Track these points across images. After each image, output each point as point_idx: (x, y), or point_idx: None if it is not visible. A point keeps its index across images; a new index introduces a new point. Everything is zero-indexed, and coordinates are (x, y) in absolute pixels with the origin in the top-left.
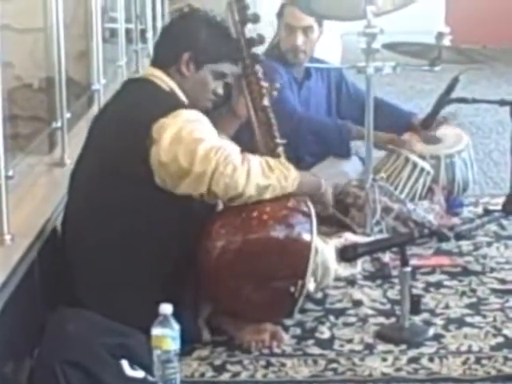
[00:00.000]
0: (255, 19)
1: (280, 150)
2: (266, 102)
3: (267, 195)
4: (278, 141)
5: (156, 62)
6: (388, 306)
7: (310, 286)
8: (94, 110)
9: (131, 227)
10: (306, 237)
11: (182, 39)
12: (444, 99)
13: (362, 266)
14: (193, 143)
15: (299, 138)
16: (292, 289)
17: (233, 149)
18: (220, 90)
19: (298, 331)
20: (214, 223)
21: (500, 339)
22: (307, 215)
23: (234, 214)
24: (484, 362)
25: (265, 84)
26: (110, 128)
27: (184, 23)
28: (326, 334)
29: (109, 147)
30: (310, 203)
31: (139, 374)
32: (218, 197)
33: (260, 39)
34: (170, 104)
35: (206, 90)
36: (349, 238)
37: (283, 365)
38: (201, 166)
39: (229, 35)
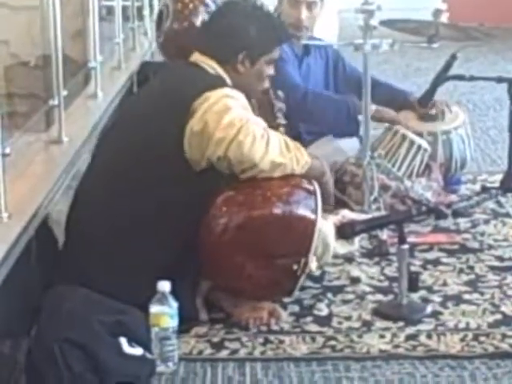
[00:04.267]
0: None
1: (281, 130)
2: (267, 83)
3: (277, 173)
4: (280, 121)
5: (207, 53)
6: (386, 284)
7: (313, 264)
8: (91, 87)
9: (143, 205)
10: (311, 215)
11: (235, 39)
12: (442, 76)
13: (359, 243)
14: (222, 111)
15: (302, 114)
16: (295, 266)
17: (258, 123)
18: (271, 71)
19: (296, 308)
20: (216, 199)
21: (498, 316)
22: (312, 193)
23: (238, 191)
24: (482, 338)
25: None
26: (153, 106)
27: (233, 19)
28: (324, 312)
29: (147, 123)
30: (315, 182)
31: (137, 351)
32: (231, 164)
33: None
34: (215, 82)
35: (261, 79)
36: (346, 215)
37: (281, 342)
38: (223, 130)
39: (275, 21)
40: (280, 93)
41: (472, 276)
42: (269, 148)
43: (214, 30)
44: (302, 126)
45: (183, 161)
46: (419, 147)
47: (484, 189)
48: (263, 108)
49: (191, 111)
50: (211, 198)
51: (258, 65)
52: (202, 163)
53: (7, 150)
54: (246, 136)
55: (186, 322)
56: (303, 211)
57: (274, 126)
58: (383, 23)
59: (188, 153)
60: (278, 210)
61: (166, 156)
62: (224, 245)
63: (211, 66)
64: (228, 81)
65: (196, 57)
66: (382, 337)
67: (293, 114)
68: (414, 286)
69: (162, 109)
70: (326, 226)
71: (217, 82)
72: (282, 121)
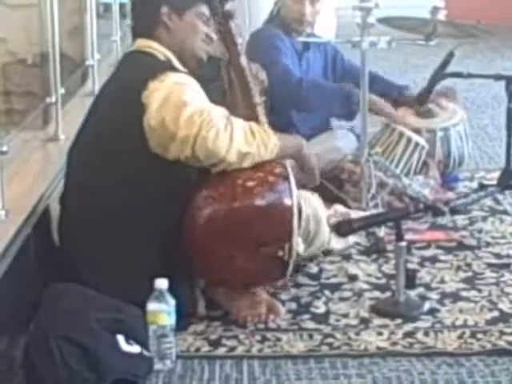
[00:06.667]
0: None
1: (259, 109)
2: (242, 60)
3: (246, 163)
4: (257, 100)
5: (141, 32)
6: (383, 281)
7: (299, 248)
8: (88, 85)
9: (128, 200)
10: (287, 200)
11: None
12: (439, 74)
13: (353, 238)
14: (179, 107)
15: (296, 102)
16: (280, 253)
17: (218, 113)
18: (213, 35)
19: (294, 306)
20: (198, 192)
21: (495, 313)
22: (285, 177)
23: (218, 183)
24: (479, 336)
25: (240, 40)
26: (107, 101)
27: None
28: (322, 309)
29: (106, 119)
30: (288, 165)
31: (135, 348)
32: (200, 161)
33: None
34: (158, 67)
35: (197, 33)
36: (338, 209)
37: (279, 339)
38: (185, 129)
39: None
40: (263, 74)
41: (469, 273)
42: (233, 139)
43: (136, 5)
44: (295, 116)
45: (149, 154)
46: (417, 144)
47: (481, 186)
48: (238, 86)
49: (143, 105)
50: (193, 191)
51: (186, 17)
52: (167, 157)
53: (4, 148)
54: (209, 130)
55: (185, 315)
56: (279, 198)
57: (250, 105)
58: (381, 21)
59: (151, 146)
60: (255, 200)
61: (131, 151)
62: (209, 237)
63: (155, 47)
64: (174, 60)
65: (138, 43)
66: (379, 334)
67: (286, 102)
68: (411, 283)
69: (116, 103)
70: (313, 199)
71: (157, 66)
72: (258, 100)
